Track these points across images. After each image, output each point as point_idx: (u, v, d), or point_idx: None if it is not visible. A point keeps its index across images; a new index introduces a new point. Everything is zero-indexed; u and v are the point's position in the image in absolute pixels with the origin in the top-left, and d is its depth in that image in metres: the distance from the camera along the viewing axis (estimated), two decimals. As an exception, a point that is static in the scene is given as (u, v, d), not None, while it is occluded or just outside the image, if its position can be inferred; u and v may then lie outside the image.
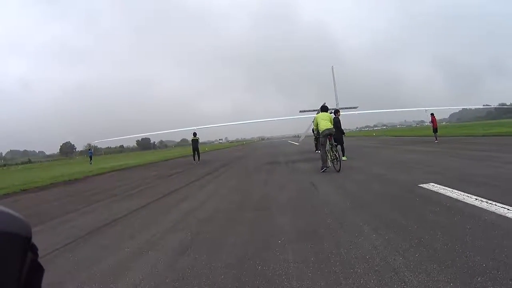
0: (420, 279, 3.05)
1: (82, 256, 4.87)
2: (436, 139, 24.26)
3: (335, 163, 11.84)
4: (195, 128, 30.33)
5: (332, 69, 38.47)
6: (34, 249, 0.69)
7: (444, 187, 6.87)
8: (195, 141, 26.23)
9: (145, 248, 4.90)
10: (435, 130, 24.77)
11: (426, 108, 31.96)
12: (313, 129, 13.86)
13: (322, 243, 4.27)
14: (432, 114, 25.39)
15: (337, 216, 5.59)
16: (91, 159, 53.25)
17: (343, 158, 15.02)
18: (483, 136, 26.35)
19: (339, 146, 14.63)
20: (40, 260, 0.71)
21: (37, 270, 0.70)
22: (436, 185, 7.22)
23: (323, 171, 11.67)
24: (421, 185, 7.43)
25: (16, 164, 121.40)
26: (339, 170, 11.40)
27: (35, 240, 0.68)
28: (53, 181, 19.55)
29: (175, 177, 16.14)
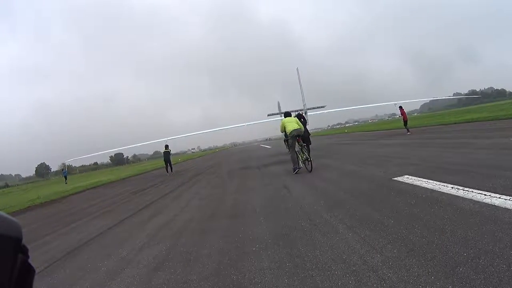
0: (399, 275, 2.96)
1: (59, 280, 4.69)
2: (408, 131, 24.71)
3: (307, 163, 11.86)
4: (166, 139, 31.22)
5: (297, 70, 38.91)
6: (25, 250, 0.67)
7: (419, 178, 6.85)
8: (166, 153, 26.85)
9: (121, 266, 4.73)
10: (405, 122, 25.17)
11: (395, 102, 32.59)
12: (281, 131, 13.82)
13: (297, 247, 4.15)
14: (400, 107, 25.81)
15: (311, 217, 5.46)
16: (66, 178, 52.48)
17: None
18: (454, 124, 26.86)
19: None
20: None
21: (28, 271, 0.67)
22: (410, 177, 7.21)
23: (295, 173, 11.65)
24: (395, 178, 7.40)
25: None
26: (311, 170, 11.47)
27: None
28: (30, 204, 19.18)
29: (148, 191, 15.76)
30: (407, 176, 7.36)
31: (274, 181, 10.94)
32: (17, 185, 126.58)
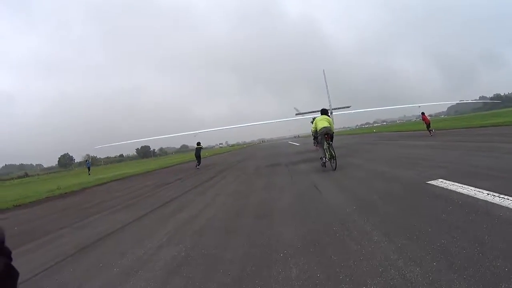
0: (442, 293, 2.69)
1: (69, 278, 4.50)
2: (432, 131, 24.93)
3: (332, 161, 12.11)
4: (195, 132, 34.28)
5: (324, 72, 40.05)
6: (7, 252, 0.68)
7: (453, 183, 6.50)
8: (198, 149, 29.15)
9: (136, 267, 4.50)
10: (428, 125, 25.49)
11: (420, 104, 33.68)
12: (311, 130, 14.10)
13: (329, 255, 3.86)
14: (422, 113, 26.57)
15: (344, 221, 5.15)
16: (89, 170, 53.01)
17: None
18: (481, 127, 26.23)
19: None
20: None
21: (11, 274, 0.67)
22: (444, 181, 6.86)
23: (322, 165, 12.36)
24: (429, 182, 7.03)
25: (12, 178, 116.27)
26: (335, 168, 11.72)
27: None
28: (49, 194, 18.90)
29: (174, 185, 15.68)
30: (441, 180, 7.00)
31: (303, 179, 10.74)
32: (38, 175, 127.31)
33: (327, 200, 6.88)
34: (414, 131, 36.99)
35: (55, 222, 9.38)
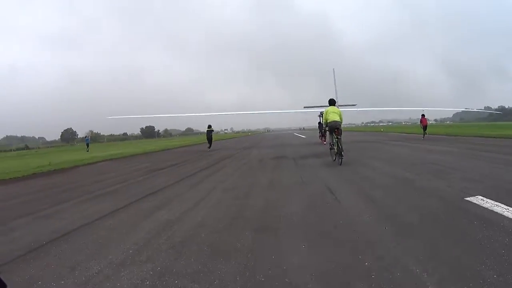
0: None
1: None
2: (423, 136, 26.98)
3: (338, 157, 12.23)
4: (203, 114, 36.64)
5: (333, 71, 43.51)
6: None
7: (498, 204, 5.24)
8: (209, 132, 30.08)
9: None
10: (425, 127, 27.50)
11: (424, 108, 35.46)
12: (318, 122, 13.63)
13: None
14: (423, 115, 28.37)
15: (375, 249, 3.74)
16: (88, 146, 52.50)
17: None
18: (500, 138, 23.95)
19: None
20: None
21: None
22: (486, 199, 5.58)
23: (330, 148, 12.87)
24: (468, 198, 5.77)
25: (11, 150, 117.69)
26: (341, 163, 11.92)
27: None
28: (36, 170, 17.95)
29: (167, 171, 14.48)
30: (481, 197, 5.72)
31: (314, 178, 9.47)
32: (38, 148, 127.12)
33: (349, 214, 5.40)
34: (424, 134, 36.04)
35: (21, 206, 8.19)
